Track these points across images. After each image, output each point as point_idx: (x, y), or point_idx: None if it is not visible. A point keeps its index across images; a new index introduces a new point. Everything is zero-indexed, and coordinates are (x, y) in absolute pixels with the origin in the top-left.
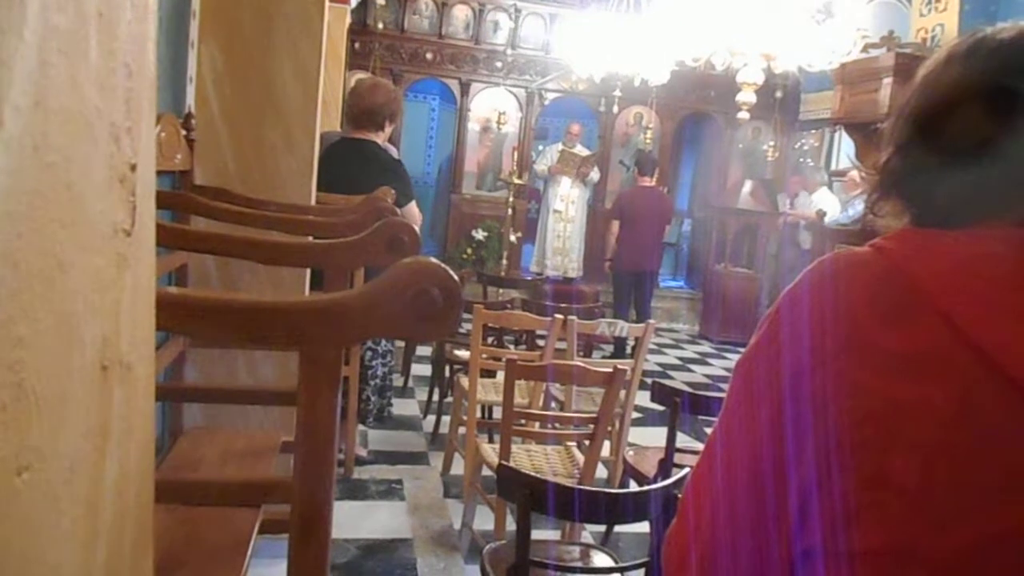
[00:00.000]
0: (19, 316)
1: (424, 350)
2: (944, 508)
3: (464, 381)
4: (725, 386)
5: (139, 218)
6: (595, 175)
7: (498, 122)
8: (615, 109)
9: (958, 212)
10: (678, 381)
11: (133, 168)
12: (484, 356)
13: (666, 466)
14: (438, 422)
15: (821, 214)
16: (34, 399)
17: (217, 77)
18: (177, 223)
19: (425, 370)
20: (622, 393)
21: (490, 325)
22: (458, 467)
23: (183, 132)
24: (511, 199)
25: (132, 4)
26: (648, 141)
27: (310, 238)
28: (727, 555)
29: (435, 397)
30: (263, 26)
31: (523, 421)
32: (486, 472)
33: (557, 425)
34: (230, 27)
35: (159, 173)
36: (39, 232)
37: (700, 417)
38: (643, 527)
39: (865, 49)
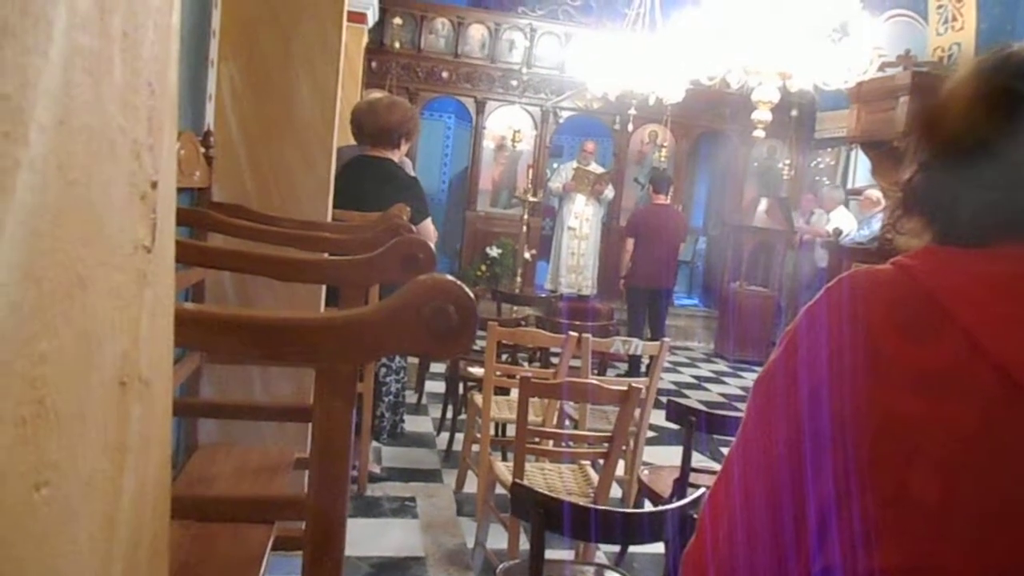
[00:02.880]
0: (41, 333)
1: (438, 367)
2: (966, 526)
3: (478, 398)
4: (741, 405)
5: (159, 235)
6: (609, 193)
7: (513, 140)
8: (630, 127)
9: (981, 230)
10: (693, 400)
11: (154, 185)
12: (498, 373)
13: (682, 486)
14: (451, 439)
15: (837, 232)
16: (54, 415)
17: (236, 95)
18: (195, 239)
19: (439, 387)
20: (637, 412)
21: (504, 342)
22: (471, 485)
23: (202, 150)
24: (526, 216)
25: (155, 24)
26: (663, 159)
27: (326, 255)
28: (745, 574)
29: (449, 414)
30: (281, 45)
31: (537, 439)
32: (499, 490)
33: (571, 443)
34: (249, 46)
35: (178, 190)
36: (61, 249)
37: (716, 436)
38: (658, 548)
39: (881, 68)
